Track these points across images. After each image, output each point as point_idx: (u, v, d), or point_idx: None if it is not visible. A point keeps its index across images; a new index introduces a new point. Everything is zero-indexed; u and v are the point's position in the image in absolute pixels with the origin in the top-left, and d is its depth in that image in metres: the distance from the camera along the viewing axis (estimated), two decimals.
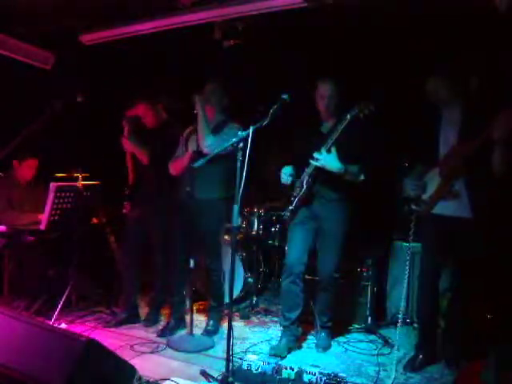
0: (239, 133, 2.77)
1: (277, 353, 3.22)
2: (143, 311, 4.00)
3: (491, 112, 2.68)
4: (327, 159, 3.07)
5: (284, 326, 3.37)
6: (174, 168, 3.59)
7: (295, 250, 3.32)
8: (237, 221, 2.70)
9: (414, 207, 3.07)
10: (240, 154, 2.68)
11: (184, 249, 3.60)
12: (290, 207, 3.35)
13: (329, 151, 3.08)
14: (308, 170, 3.23)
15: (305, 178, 3.25)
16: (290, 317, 3.34)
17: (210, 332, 3.62)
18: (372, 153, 3.20)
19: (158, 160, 3.70)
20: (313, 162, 3.13)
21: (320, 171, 3.16)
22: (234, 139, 2.78)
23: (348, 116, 3.05)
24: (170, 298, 3.81)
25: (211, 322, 3.68)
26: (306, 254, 3.32)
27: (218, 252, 3.69)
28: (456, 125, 2.89)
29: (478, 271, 2.97)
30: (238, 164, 2.67)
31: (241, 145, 2.71)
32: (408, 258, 3.28)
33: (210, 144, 3.36)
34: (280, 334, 3.41)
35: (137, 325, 3.80)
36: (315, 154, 3.11)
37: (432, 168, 3.00)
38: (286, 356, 3.25)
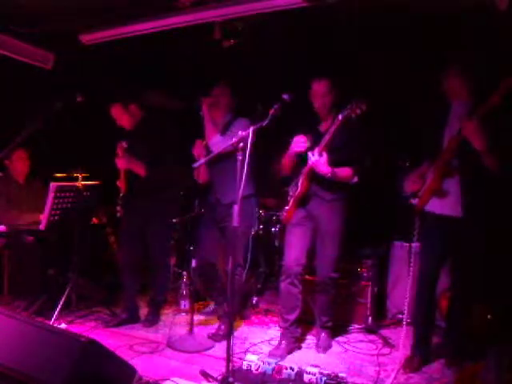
0: (239, 133, 2.78)
1: (274, 356, 3.19)
2: (143, 311, 3.99)
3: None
4: (318, 162, 3.07)
5: (283, 328, 3.36)
6: (202, 177, 3.64)
7: (293, 251, 3.30)
8: (237, 221, 2.70)
9: (413, 201, 3.05)
10: (240, 153, 2.69)
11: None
12: (287, 207, 3.35)
13: (321, 154, 3.07)
14: (303, 170, 3.23)
15: (300, 178, 3.25)
16: (288, 318, 3.33)
17: (220, 337, 3.54)
18: (366, 154, 3.20)
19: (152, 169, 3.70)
20: (309, 163, 3.13)
21: (314, 172, 3.16)
22: (234, 139, 2.78)
23: (340, 117, 3.02)
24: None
25: (223, 327, 3.61)
26: (303, 255, 3.31)
27: (247, 253, 3.69)
28: (461, 119, 2.86)
29: (477, 271, 2.96)
30: (238, 164, 2.68)
31: (241, 145, 2.71)
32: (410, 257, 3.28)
33: (216, 142, 3.39)
34: (279, 336, 3.40)
35: (137, 325, 3.79)
36: (309, 154, 3.11)
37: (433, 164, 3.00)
38: (285, 357, 3.24)
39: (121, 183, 3.83)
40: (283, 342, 3.32)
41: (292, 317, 3.32)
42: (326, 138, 3.07)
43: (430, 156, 3.00)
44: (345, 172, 3.17)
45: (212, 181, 3.63)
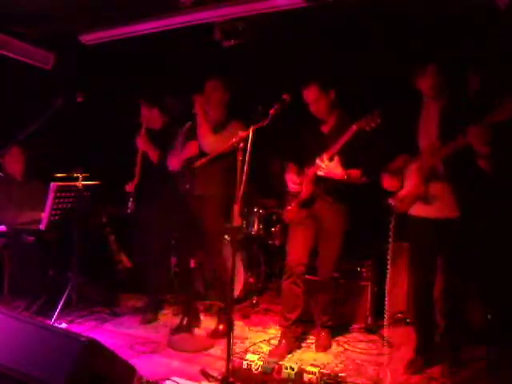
0: (239, 133, 2.77)
1: (274, 356, 3.16)
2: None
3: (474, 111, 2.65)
4: (330, 168, 3.05)
5: (284, 327, 3.37)
6: (173, 163, 3.63)
7: (296, 251, 3.31)
8: (237, 221, 2.70)
9: (391, 202, 3.01)
10: (240, 154, 2.69)
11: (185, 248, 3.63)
12: (289, 207, 3.35)
13: (331, 159, 3.05)
14: (309, 172, 3.21)
15: (304, 180, 3.23)
16: (290, 317, 3.33)
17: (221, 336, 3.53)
18: (376, 158, 3.18)
19: (163, 159, 3.76)
20: (319, 173, 3.11)
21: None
22: (234, 139, 2.78)
23: (354, 127, 2.98)
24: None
25: (221, 327, 3.59)
26: (306, 255, 3.30)
27: (220, 249, 3.68)
28: (438, 117, 2.85)
29: (475, 271, 2.95)
30: (239, 164, 2.68)
31: (241, 145, 2.71)
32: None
33: (210, 143, 3.37)
34: (280, 335, 3.40)
35: (137, 325, 3.80)
36: (318, 162, 3.09)
37: (411, 161, 2.94)
38: (285, 357, 3.23)
39: (136, 169, 3.90)
40: (283, 341, 3.32)
41: (293, 316, 3.32)
42: (337, 145, 3.03)
43: (407, 152, 2.96)
44: (357, 173, 3.13)
45: (186, 172, 3.60)
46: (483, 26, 3.34)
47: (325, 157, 3.07)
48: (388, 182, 3.02)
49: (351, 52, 4.04)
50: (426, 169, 2.83)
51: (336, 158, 3.05)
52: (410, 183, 2.92)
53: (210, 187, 3.49)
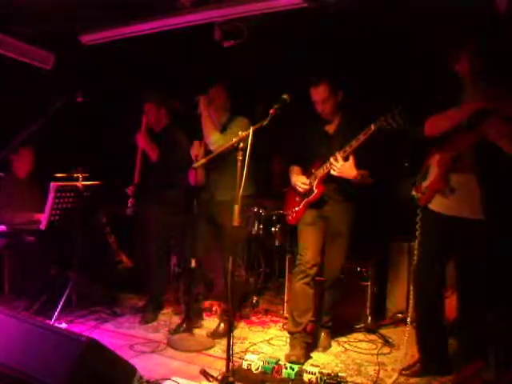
0: (239, 133, 2.77)
1: (294, 360, 3.07)
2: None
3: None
4: (344, 168, 3.02)
5: (295, 333, 3.24)
6: (193, 178, 3.63)
7: (311, 251, 3.22)
8: (237, 221, 2.70)
9: (414, 193, 2.93)
10: (240, 154, 2.69)
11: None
12: (296, 208, 3.32)
13: (346, 159, 3.02)
14: (319, 173, 3.19)
15: (315, 181, 3.21)
16: (301, 321, 3.21)
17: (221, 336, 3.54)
18: (382, 159, 3.16)
19: (163, 159, 3.80)
20: (333, 173, 3.07)
21: (332, 175, 3.11)
22: (234, 139, 2.78)
23: (372, 126, 2.93)
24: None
25: (221, 327, 3.61)
26: (319, 255, 3.25)
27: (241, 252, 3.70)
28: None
29: (478, 272, 2.93)
30: (238, 164, 2.68)
31: (241, 145, 2.71)
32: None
33: (215, 140, 3.38)
34: (289, 343, 3.29)
35: (137, 325, 3.80)
36: (332, 161, 3.06)
37: (436, 152, 2.85)
38: (303, 363, 3.11)
39: (136, 170, 3.93)
40: (298, 347, 3.19)
41: (305, 319, 3.22)
42: (354, 145, 3.00)
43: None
44: (367, 173, 3.10)
45: (207, 178, 3.65)
46: (483, 26, 3.34)
47: (339, 156, 3.04)
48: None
49: (351, 52, 4.04)
50: (448, 160, 2.75)
51: (351, 158, 3.01)
52: (432, 175, 2.85)
53: (230, 191, 3.47)
